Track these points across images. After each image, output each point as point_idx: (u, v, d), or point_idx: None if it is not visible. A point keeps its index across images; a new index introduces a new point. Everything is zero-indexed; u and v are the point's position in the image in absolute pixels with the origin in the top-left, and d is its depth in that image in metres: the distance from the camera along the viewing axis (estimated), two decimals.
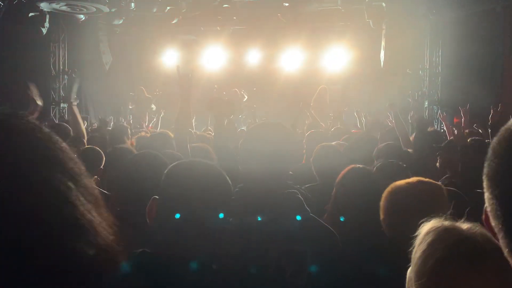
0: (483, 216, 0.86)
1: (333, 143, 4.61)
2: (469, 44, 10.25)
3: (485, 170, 0.80)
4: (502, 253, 1.08)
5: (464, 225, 1.26)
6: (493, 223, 0.82)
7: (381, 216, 2.08)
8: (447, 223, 1.28)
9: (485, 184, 0.81)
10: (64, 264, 0.70)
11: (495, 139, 0.80)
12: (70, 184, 0.75)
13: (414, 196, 2.00)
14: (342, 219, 2.47)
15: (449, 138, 6.07)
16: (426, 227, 1.29)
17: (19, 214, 0.68)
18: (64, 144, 0.80)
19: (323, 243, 1.90)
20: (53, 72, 12.98)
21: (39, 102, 5.37)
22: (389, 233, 2.07)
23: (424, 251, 1.23)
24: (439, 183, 2.14)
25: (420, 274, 1.22)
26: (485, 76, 10.34)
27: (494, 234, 0.83)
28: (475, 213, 1.14)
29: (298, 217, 1.85)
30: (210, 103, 3.31)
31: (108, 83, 13.13)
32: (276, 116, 11.54)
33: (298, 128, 6.55)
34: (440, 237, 1.23)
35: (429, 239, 1.25)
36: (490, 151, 0.80)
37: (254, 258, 1.78)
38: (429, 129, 5.26)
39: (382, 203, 2.09)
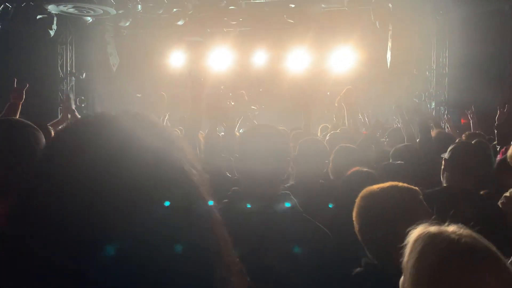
0: None
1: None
2: (477, 44, 10.16)
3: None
4: (491, 251, 1.16)
5: (450, 228, 1.25)
6: None
7: (357, 226, 2.02)
8: (433, 228, 1.27)
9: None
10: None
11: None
12: (196, 173, 0.87)
13: (386, 201, 1.93)
14: (330, 205, 2.46)
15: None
16: (414, 235, 1.28)
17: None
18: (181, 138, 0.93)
19: (315, 243, 1.90)
20: (61, 73, 13.05)
21: (76, 114, 5.49)
22: (362, 240, 2.00)
23: (416, 259, 1.22)
24: (416, 188, 2.04)
25: (416, 283, 1.21)
26: (493, 76, 10.23)
27: None
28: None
29: (287, 204, 1.88)
30: (208, 110, 3.53)
31: (115, 84, 13.16)
32: (282, 117, 11.50)
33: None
34: (430, 243, 1.23)
35: (419, 246, 1.24)
36: None
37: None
38: (434, 132, 5.16)
39: (354, 209, 2.04)
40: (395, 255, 1.36)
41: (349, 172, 2.86)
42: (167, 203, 0.77)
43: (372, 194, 2.00)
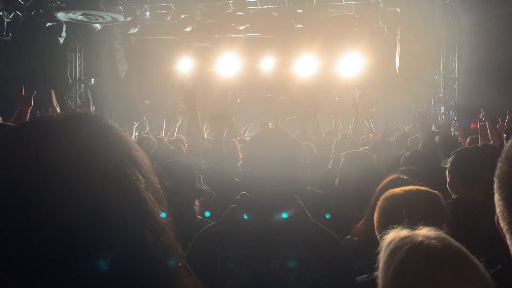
0: (496, 218, 0.86)
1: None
2: (486, 49, 10.07)
3: (497, 172, 0.83)
4: (462, 253, 1.14)
5: (421, 231, 1.23)
6: (501, 224, 0.82)
7: (375, 225, 2.02)
8: (403, 232, 1.26)
9: (495, 185, 0.83)
10: (134, 251, 0.76)
11: (509, 143, 0.82)
12: (141, 177, 0.83)
13: (406, 203, 1.92)
14: (327, 216, 2.46)
15: (464, 145, 5.91)
16: (388, 238, 1.27)
17: (92, 196, 0.75)
18: (136, 145, 0.90)
19: (325, 249, 1.86)
20: (70, 80, 13.11)
21: (58, 110, 5.48)
22: (380, 239, 1.97)
23: (384, 262, 1.22)
24: (436, 192, 2.05)
25: (382, 286, 1.20)
26: (503, 81, 10.13)
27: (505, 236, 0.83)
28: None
29: (284, 215, 1.85)
30: (211, 120, 3.66)
31: (124, 90, 13.20)
32: (289, 122, 11.43)
33: (309, 134, 6.47)
34: (397, 246, 1.21)
35: (388, 250, 1.23)
36: (503, 154, 0.82)
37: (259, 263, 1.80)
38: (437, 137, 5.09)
39: (376, 209, 2.04)
40: None
41: (388, 180, 2.78)
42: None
43: (394, 196, 2.01)
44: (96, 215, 0.74)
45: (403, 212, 1.83)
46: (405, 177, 2.79)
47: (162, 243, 0.80)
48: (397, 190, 2.04)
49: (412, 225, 1.29)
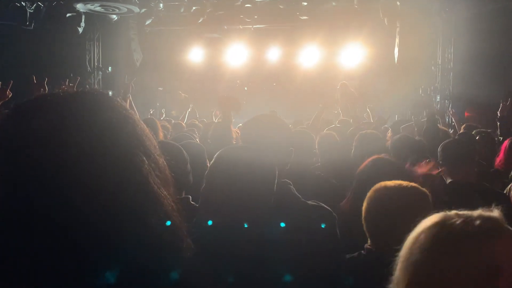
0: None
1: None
2: (481, 41, 10.15)
3: None
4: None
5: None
6: None
7: (363, 214, 2.01)
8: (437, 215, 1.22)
9: None
10: (135, 233, 0.72)
11: None
12: (144, 159, 0.78)
13: (397, 199, 1.94)
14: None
15: (459, 131, 6.03)
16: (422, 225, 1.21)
17: (96, 178, 0.71)
18: (143, 124, 0.84)
19: (316, 225, 1.83)
20: (89, 68, 13.38)
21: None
22: (366, 227, 2.03)
23: (411, 240, 1.17)
24: (425, 190, 2.03)
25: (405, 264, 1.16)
26: (497, 71, 10.23)
27: None
28: None
29: (282, 224, 1.71)
30: (219, 100, 3.58)
31: (139, 78, 13.42)
32: (294, 110, 11.66)
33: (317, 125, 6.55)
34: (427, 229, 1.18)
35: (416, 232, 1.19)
36: None
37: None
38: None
39: (366, 199, 2.02)
40: (391, 247, 1.31)
41: (369, 160, 2.75)
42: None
43: (386, 189, 1.99)
44: (95, 195, 0.71)
45: (395, 205, 1.90)
46: (386, 157, 2.79)
47: (164, 226, 0.76)
48: (390, 183, 2.01)
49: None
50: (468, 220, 1.11)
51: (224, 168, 1.67)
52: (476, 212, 1.14)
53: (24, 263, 0.67)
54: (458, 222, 1.12)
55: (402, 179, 2.05)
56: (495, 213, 1.14)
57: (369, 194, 2.02)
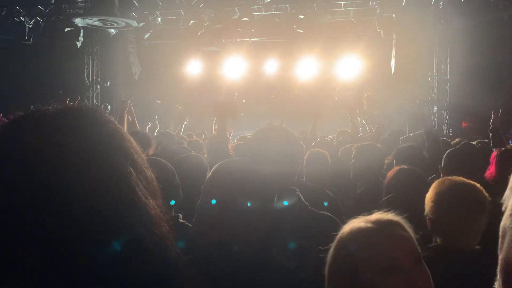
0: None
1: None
2: (477, 52, 10.16)
3: None
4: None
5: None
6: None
7: (428, 203, 2.02)
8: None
9: None
10: (120, 239, 0.72)
11: None
12: (131, 170, 0.79)
13: (469, 196, 1.97)
14: (325, 204, 2.44)
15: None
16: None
17: (83, 188, 0.72)
18: (131, 138, 0.86)
19: (323, 230, 1.72)
20: (87, 82, 13.33)
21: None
22: (434, 219, 2.00)
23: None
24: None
25: None
26: (493, 82, 10.22)
27: None
28: None
29: (285, 202, 1.79)
30: (216, 106, 3.37)
31: (137, 91, 13.38)
32: (292, 122, 11.58)
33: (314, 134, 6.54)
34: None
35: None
36: None
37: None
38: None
39: (433, 190, 2.03)
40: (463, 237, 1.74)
41: (396, 169, 2.79)
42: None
43: (452, 182, 2.03)
44: (83, 206, 0.71)
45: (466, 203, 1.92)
46: (409, 167, 2.82)
47: (153, 235, 0.76)
48: (455, 178, 2.06)
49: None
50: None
51: (218, 182, 1.57)
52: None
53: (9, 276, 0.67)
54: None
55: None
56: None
57: (437, 186, 2.01)
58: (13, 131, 0.77)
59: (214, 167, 1.66)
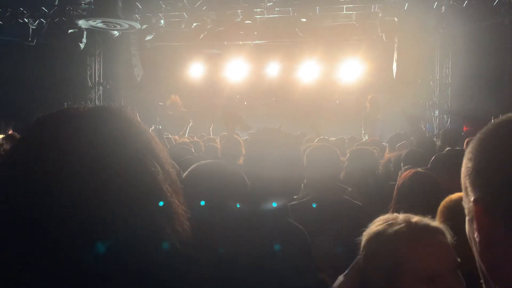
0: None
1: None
2: (478, 56, 10.10)
3: None
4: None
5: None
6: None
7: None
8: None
9: None
10: (149, 243, 0.74)
11: None
12: (159, 168, 0.81)
13: None
14: (314, 205, 2.37)
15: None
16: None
17: (117, 187, 0.74)
18: (156, 138, 0.88)
19: (292, 244, 1.76)
20: (90, 83, 13.27)
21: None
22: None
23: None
24: None
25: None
26: (494, 86, 10.15)
27: None
28: None
29: (274, 204, 1.75)
30: (225, 116, 3.67)
31: (139, 93, 13.34)
32: (293, 124, 11.52)
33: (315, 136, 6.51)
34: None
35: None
36: None
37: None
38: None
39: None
40: None
41: (410, 173, 2.70)
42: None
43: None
44: (114, 203, 0.72)
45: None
46: (422, 170, 2.73)
47: (176, 231, 0.78)
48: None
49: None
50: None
51: (191, 183, 1.53)
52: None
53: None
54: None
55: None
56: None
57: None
58: (48, 128, 0.79)
59: (190, 168, 1.63)
